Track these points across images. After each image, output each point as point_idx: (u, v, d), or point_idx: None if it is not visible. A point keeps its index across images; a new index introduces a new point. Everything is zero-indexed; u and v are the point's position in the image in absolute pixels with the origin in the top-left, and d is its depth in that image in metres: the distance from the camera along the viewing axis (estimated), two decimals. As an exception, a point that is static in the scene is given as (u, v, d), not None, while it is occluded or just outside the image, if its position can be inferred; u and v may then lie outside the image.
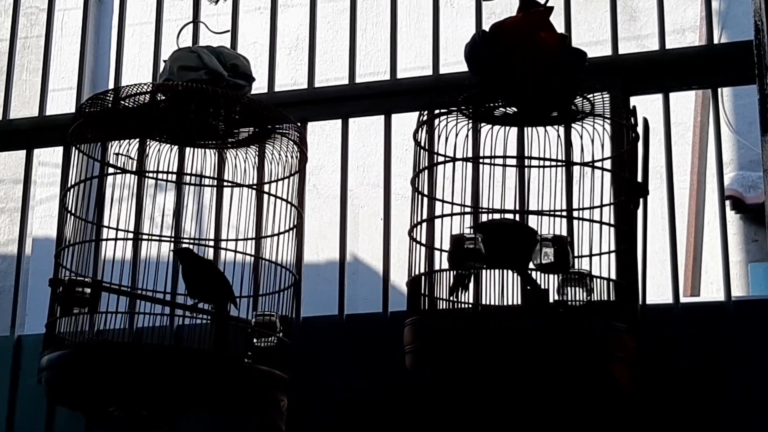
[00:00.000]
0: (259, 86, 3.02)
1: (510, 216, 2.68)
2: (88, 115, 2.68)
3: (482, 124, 2.69)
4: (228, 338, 2.59)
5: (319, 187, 6.05)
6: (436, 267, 2.58)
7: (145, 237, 2.86)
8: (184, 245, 2.79)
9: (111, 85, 3.55)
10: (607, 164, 2.60)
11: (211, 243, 3.04)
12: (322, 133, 5.15)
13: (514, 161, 2.76)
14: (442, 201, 2.62)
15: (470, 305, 2.58)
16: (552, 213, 2.62)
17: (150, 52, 3.51)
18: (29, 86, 6.53)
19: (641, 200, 2.64)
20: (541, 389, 2.45)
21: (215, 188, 3.06)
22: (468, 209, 2.69)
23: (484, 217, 2.70)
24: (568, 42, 2.75)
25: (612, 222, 2.58)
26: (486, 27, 2.68)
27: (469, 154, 2.60)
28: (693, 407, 2.76)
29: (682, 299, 2.94)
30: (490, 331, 2.38)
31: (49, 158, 5.86)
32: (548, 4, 2.61)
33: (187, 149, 2.93)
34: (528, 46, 2.51)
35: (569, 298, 2.46)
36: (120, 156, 2.77)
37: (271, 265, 2.75)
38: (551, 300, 2.50)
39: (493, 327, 2.39)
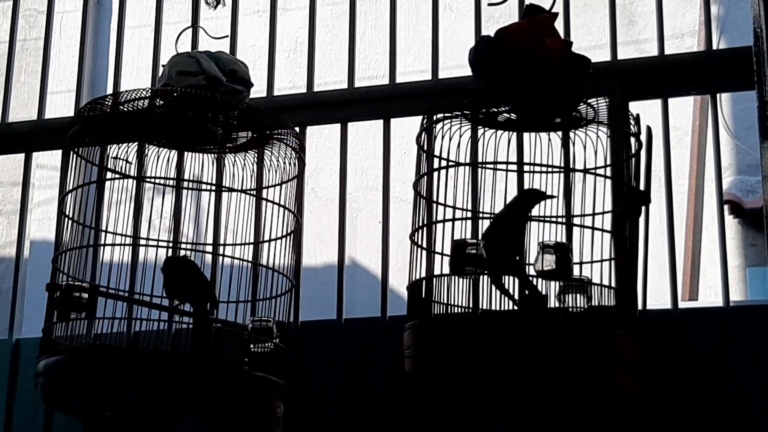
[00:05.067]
0: (258, 89, 3.02)
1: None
2: (86, 120, 2.68)
3: (484, 129, 2.68)
4: (209, 338, 2.59)
5: (318, 191, 6.05)
6: (436, 271, 2.58)
7: (143, 242, 2.86)
8: (178, 255, 2.78)
9: (110, 88, 3.54)
10: (608, 171, 2.59)
11: (209, 248, 3.04)
12: (321, 136, 5.15)
13: (514, 167, 2.76)
14: (444, 205, 2.61)
15: (470, 309, 2.58)
16: (551, 219, 2.62)
17: (149, 55, 3.51)
18: (28, 89, 6.53)
19: (642, 208, 2.64)
20: (541, 394, 2.45)
21: (213, 193, 3.06)
22: (468, 214, 2.69)
23: (484, 222, 2.70)
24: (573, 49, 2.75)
25: (611, 229, 2.57)
26: (485, 31, 2.68)
27: (471, 159, 2.60)
28: (692, 411, 2.76)
29: (681, 304, 2.94)
30: (490, 335, 2.38)
31: (47, 161, 5.86)
32: (553, 11, 2.60)
33: (186, 154, 2.93)
34: (533, 52, 2.51)
35: (569, 305, 2.46)
36: (118, 160, 2.76)
37: (269, 270, 2.75)
38: (550, 305, 2.50)
39: (494, 332, 2.38)
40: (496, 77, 2.56)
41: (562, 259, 2.45)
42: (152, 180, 2.83)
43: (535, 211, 2.63)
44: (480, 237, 2.60)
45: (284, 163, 2.80)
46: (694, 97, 5.62)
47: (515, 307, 2.49)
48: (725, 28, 5.74)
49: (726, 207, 5.61)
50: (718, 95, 3.12)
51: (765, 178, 2.24)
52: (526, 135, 2.76)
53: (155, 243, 2.82)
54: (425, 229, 2.60)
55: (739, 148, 5.82)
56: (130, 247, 2.94)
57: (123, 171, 2.79)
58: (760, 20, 2.27)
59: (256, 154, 2.88)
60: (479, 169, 2.72)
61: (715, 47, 3.76)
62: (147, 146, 2.85)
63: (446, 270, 2.55)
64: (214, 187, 2.99)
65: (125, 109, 2.66)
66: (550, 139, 2.65)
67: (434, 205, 2.61)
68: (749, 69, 2.35)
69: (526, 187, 2.79)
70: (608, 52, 3.14)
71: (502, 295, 2.50)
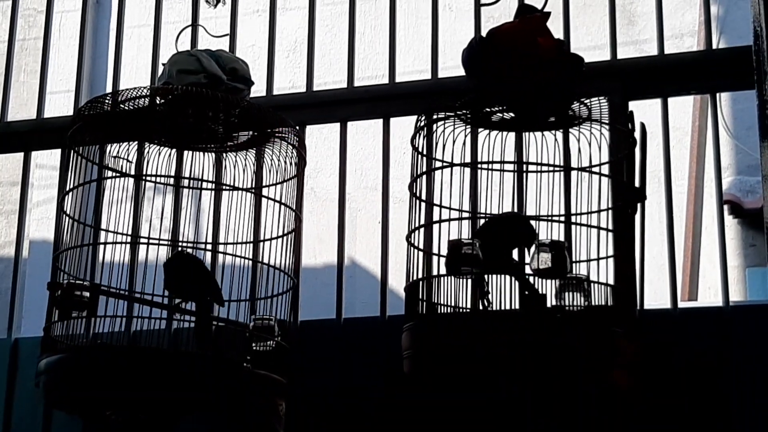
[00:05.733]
0: (258, 89, 3.02)
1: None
2: (86, 119, 2.68)
3: (480, 129, 2.69)
4: (211, 335, 2.59)
5: (317, 191, 6.05)
6: (434, 272, 2.58)
7: (143, 240, 2.86)
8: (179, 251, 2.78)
9: (109, 88, 3.54)
10: (605, 169, 2.59)
11: (209, 246, 3.04)
12: (320, 136, 5.15)
13: (511, 166, 2.76)
14: (441, 206, 2.61)
15: (468, 309, 2.58)
16: (549, 218, 2.62)
17: (148, 54, 3.51)
18: (27, 88, 6.52)
19: (639, 205, 2.65)
20: (540, 394, 2.45)
21: (213, 191, 3.06)
22: (466, 214, 2.69)
23: (482, 223, 2.70)
24: (566, 47, 2.75)
25: (609, 227, 2.58)
26: (484, 31, 2.68)
27: (467, 160, 2.61)
28: (691, 412, 2.76)
29: (680, 304, 2.94)
30: (488, 336, 2.38)
31: (46, 161, 5.87)
32: (545, 10, 2.61)
33: (186, 153, 2.92)
34: (524, 52, 2.51)
35: (567, 304, 2.46)
36: (118, 159, 2.76)
37: (269, 268, 2.75)
38: (549, 305, 2.50)
39: (491, 332, 2.39)
40: (488, 77, 2.56)
41: (558, 258, 2.45)
42: (152, 179, 2.83)
43: (533, 211, 2.64)
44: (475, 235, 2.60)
45: (284, 161, 2.80)
46: (694, 97, 5.62)
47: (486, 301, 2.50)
48: (725, 28, 5.74)
49: (725, 207, 5.61)
50: (717, 95, 3.13)
51: (765, 179, 2.24)
52: (523, 134, 2.76)
53: (155, 242, 2.82)
54: (422, 230, 2.60)
55: (739, 149, 5.82)
56: (130, 245, 2.94)
57: (123, 170, 2.79)
58: (759, 19, 2.27)
59: (256, 153, 2.88)
60: (476, 170, 2.72)
61: (714, 47, 3.75)
62: (147, 145, 2.85)
63: (443, 270, 2.55)
64: (214, 186, 2.99)
65: (125, 108, 2.66)
66: (544, 137, 2.65)
67: (431, 205, 2.61)
68: (749, 68, 2.36)
69: (523, 186, 2.80)
70: (608, 52, 3.15)
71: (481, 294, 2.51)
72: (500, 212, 2.66)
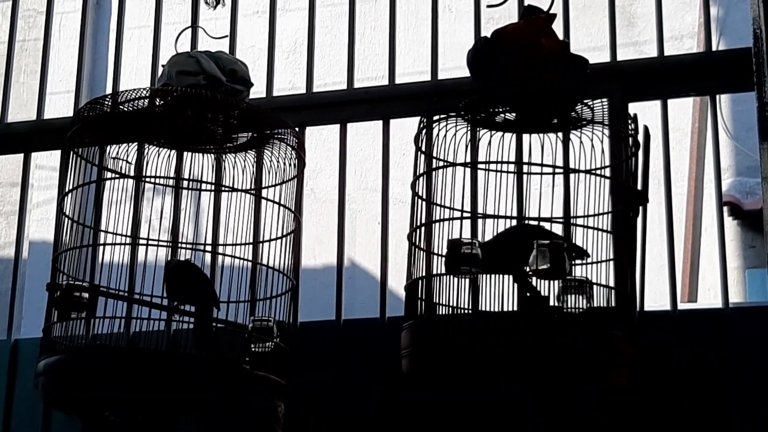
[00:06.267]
0: (257, 90, 3.02)
1: (507, 222, 2.67)
2: (86, 120, 2.68)
3: (482, 130, 2.69)
4: (211, 338, 2.59)
5: (317, 192, 6.05)
6: (435, 271, 2.58)
7: (142, 242, 2.86)
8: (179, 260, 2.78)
9: (109, 89, 3.55)
10: (606, 172, 2.59)
11: (209, 248, 3.04)
12: (320, 137, 5.15)
13: (513, 167, 2.76)
14: (441, 205, 2.62)
15: (468, 310, 2.58)
16: (550, 220, 2.62)
17: (148, 55, 3.51)
18: (27, 89, 6.52)
19: (640, 208, 2.64)
20: (539, 394, 2.45)
21: (213, 193, 3.06)
22: (467, 214, 2.69)
23: (481, 223, 2.70)
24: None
25: (610, 229, 2.58)
26: (484, 32, 2.69)
27: (469, 160, 2.61)
28: (690, 413, 2.76)
29: (680, 305, 2.94)
30: (487, 336, 2.38)
31: (46, 161, 5.86)
32: (551, 12, 2.61)
33: (185, 154, 2.93)
34: (530, 53, 2.51)
35: (568, 306, 2.46)
36: (118, 160, 2.77)
37: (269, 270, 2.75)
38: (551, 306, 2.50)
39: (491, 333, 2.39)
40: (493, 78, 2.56)
41: (557, 258, 2.45)
42: (151, 180, 2.84)
43: (534, 212, 2.63)
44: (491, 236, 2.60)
45: (284, 162, 2.80)
46: (694, 98, 5.62)
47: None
48: (724, 30, 5.75)
49: (725, 208, 5.61)
50: (717, 96, 3.13)
51: (764, 180, 2.24)
52: (524, 135, 2.76)
53: (155, 243, 2.82)
54: (423, 229, 2.61)
55: (739, 150, 5.82)
56: (130, 246, 2.94)
57: (122, 171, 2.79)
58: (759, 21, 2.27)
59: (255, 154, 2.88)
60: (477, 170, 2.72)
61: (714, 48, 3.76)
62: (146, 146, 2.85)
63: (444, 270, 2.55)
64: (213, 187, 2.99)
65: (125, 109, 2.66)
66: (547, 138, 2.65)
67: (432, 205, 2.61)
68: (748, 70, 2.36)
69: (523, 187, 2.80)
70: (608, 53, 3.15)
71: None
72: (500, 212, 2.66)
